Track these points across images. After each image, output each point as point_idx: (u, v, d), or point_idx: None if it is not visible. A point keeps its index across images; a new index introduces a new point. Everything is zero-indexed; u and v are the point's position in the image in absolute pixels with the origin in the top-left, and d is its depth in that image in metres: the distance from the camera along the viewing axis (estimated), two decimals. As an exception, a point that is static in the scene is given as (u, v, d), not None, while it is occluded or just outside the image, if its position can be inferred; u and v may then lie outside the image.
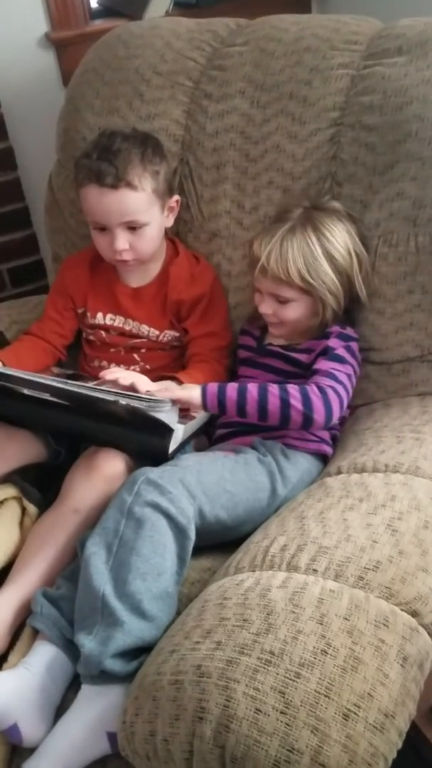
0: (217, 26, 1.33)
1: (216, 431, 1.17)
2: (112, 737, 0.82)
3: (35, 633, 0.93)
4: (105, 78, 1.34)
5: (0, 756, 0.86)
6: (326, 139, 1.18)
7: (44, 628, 0.91)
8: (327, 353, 1.10)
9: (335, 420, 1.04)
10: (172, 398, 1.01)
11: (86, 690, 0.85)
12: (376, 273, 1.14)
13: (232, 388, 1.03)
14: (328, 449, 1.12)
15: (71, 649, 0.89)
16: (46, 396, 1.01)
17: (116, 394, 0.96)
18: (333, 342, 1.11)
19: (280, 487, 1.03)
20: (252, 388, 1.02)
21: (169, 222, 1.21)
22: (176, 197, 1.21)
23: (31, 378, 0.99)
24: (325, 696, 0.69)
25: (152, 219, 1.15)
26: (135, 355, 1.25)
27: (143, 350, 1.25)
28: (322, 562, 0.82)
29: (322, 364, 1.08)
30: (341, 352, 1.10)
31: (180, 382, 1.11)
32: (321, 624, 0.74)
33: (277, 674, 0.70)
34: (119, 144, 1.12)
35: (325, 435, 1.12)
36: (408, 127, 1.09)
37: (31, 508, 1.07)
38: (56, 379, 1.02)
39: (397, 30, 1.17)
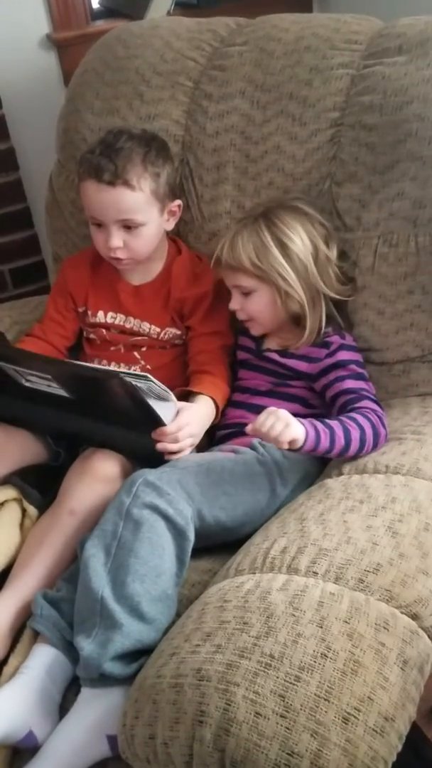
0: (216, 26, 1.33)
1: (216, 432, 1.17)
2: (112, 740, 0.82)
3: (35, 635, 0.93)
4: (105, 78, 1.34)
5: (1, 759, 0.86)
6: (326, 139, 1.17)
7: (44, 630, 0.91)
8: (344, 368, 1.10)
9: None
10: (284, 440, 0.95)
11: (86, 693, 0.85)
12: (376, 273, 1.13)
13: (325, 435, 0.98)
14: None
15: (71, 651, 0.89)
16: (46, 384, 1.00)
17: (118, 371, 0.95)
18: (343, 355, 1.11)
19: (279, 488, 1.03)
20: (339, 432, 0.99)
21: (169, 226, 1.21)
22: (178, 201, 1.21)
23: (34, 354, 1.00)
24: (325, 699, 0.69)
25: (149, 220, 1.14)
26: (135, 354, 1.25)
27: (143, 348, 1.25)
28: (323, 564, 0.82)
29: (351, 383, 1.08)
30: (362, 369, 1.11)
31: (209, 395, 1.11)
32: (321, 627, 0.74)
33: (277, 678, 0.70)
34: (123, 142, 1.12)
35: None
36: (408, 126, 1.09)
37: (32, 510, 1.07)
38: (57, 358, 1.02)
39: (398, 29, 1.16)
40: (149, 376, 0.95)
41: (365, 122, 1.13)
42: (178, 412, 1.02)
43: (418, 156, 1.08)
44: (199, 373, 1.17)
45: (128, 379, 0.92)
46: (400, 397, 1.16)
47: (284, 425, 0.95)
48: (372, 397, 1.08)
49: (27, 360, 1.01)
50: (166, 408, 0.99)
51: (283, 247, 1.09)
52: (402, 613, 0.78)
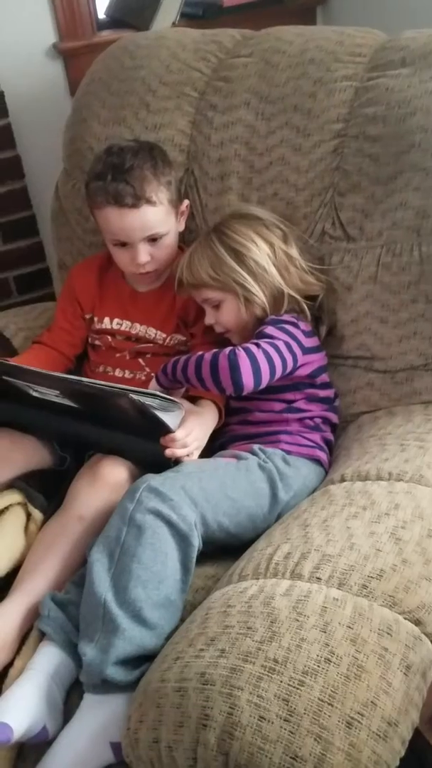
0: (222, 37, 1.34)
1: (216, 441, 1.17)
2: (115, 747, 0.82)
3: (41, 637, 0.93)
4: (111, 88, 1.35)
5: (5, 762, 0.86)
6: (330, 150, 1.18)
7: (51, 632, 0.91)
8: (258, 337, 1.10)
9: (265, 379, 1.02)
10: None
11: (89, 699, 0.86)
12: (379, 282, 1.15)
13: (168, 365, 1.08)
14: (322, 454, 1.13)
15: (76, 654, 0.89)
16: (54, 395, 1.01)
17: (127, 390, 0.96)
18: (266, 329, 1.10)
19: (281, 493, 1.03)
20: (180, 360, 1.07)
21: (182, 226, 1.24)
22: (186, 202, 1.24)
23: (42, 372, 1.01)
24: (329, 704, 0.69)
25: (170, 228, 1.18)
26: (140, 360, 1.26)
27: (148, 355, 1.26)
28: (326, 570, 0.83)
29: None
30: (269, 330, 1.09)
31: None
32: (324, 632, 0.75)
33: (281, 682, 0.71)
34: (130, 161, 1.13)
35: (317, 439, 1.13)
36: (411, 137, 1.10)
37: (36, 514, 1.08)
38: (66, 376, 1.03)
39: (401, 42, 1.18)
40: (157, 393, 0.97)
41: (369, 133, 1.14)
42: (183, 418, 1.03)
43: (422, 166, 1.10)
44: None
45: (137, 397, 0.93)
46: (403, 404, 1.17)
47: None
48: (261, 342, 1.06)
49: (34, 377, 1.01)
50: (173, 417, 1.00)
51: (238, 255, 1.12)
52: (405, 618, 0.79)
